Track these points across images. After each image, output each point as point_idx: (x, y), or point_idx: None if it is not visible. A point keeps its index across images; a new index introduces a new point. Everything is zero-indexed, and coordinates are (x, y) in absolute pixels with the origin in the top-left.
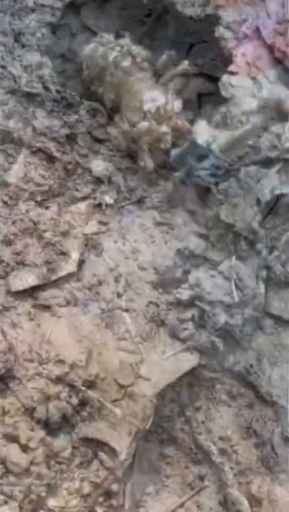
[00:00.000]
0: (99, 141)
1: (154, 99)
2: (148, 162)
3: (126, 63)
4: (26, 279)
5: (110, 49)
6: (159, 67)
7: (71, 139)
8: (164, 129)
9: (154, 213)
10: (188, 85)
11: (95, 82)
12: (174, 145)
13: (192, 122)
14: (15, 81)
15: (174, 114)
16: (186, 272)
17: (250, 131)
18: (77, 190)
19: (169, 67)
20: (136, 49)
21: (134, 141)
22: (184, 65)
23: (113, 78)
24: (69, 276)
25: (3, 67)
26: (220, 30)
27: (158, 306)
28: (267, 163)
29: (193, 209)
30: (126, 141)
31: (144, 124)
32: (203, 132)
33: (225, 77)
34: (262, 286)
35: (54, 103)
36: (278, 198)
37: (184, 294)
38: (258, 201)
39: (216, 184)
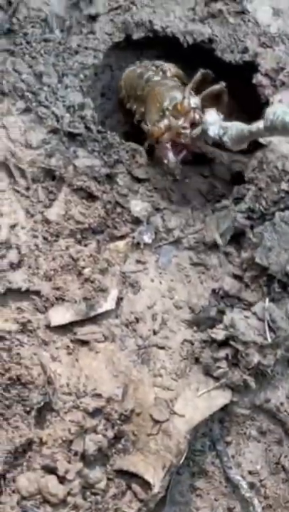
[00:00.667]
0: (138, 180)
1: (173, 98)
2: (171, 158)
3: (156, 78)
4: (65, 314)
5: (146, 69)
6: (193, 85)
7: (111, 178)
8: (181, 122)
9: (191, 253)
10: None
11: (130, 100)
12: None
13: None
14: (58, 121)
15: (191, 109)
16: (221, 312)
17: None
18: (116, 228)
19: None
20: (167, 65)
21: (157, 141)
22: (222, 84)
23: (143, 92)
24: (107, 313)
25: (47, 107)
26: (258, 77)
27: (192, 344)
28: None
29: (229, 251)
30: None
31: (164, 122)
32: (213, 123)
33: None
34: None
35: (95, 143)
36: None
37: (219, 334)
38: None
39: (252, 227)
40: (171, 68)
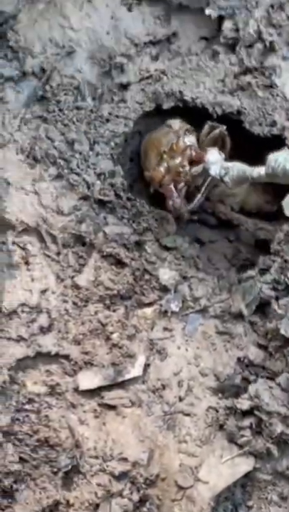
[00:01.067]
0: (166, 248)
1: (169, 141)
2: (176, 198)
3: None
4: (94, 379)
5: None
6: (202, 138)
7: (140, 245)
8: (179, 161)
9: (217, 322)
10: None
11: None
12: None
13: None
14: (88, 188)
15: (186, 147)
16: (245, 379)
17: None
18: (144, 295)
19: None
20: (172, 121)
21: (160, 185)
22: (222, 128)
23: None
24: (134, 379)
25: (78, 174)
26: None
27: (217, 411)
28: None
29: (254, 320)
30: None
31: (163, 165)
32: (215, 162)
33: (288, 198)
34: None
35: (124, 210)
36: None
37: (244, 404)
38: None
39: (277, 298)
40: (177, 123)
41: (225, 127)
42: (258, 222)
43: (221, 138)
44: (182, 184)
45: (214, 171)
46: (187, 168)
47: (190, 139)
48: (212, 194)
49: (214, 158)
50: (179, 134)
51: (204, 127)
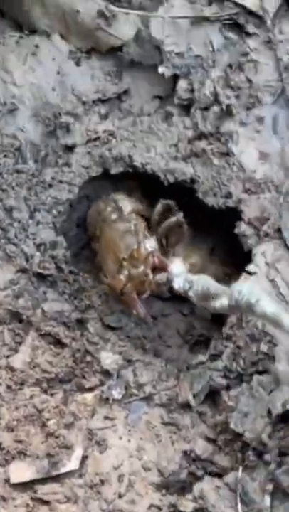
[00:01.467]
0: (110, 327)
1: (127, 245)
2: (139, 309)
3: (113, 216)
4: (26, 471)
5: (105, 205)
6: (155, 217)
7: (81, 323)
8: (142, 270)
9: (162, 411)
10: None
11: (94, 239)
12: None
13: None
14: (27, 260)
15: (148, 254)
16: (192, 475)
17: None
18: (84, 378)
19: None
20: (126, 202)
21: (121, 293)
22: (179, 216)
23: (101, 233)
24: (71, 473)
25: (16, 245)
26: (241, 226)
27: (160, 509)
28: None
29: (202, 410)
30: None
31: (124, 273)
32: (179, 275)
33: (242, 279)
34: (267, 500)
35: (66, 284)
36: None
37: (188, 506)
38: (269, 412)
39: (228, 387)
40: (128, 205)
41: (182, 215)
42: None
43: (178, 225)
44: (147, 293)
45: (178, 284)
46: (151, 276)
47: (151, 244)
48: None
49: (178, 269)
50: (138, 239)
51: (157, 206)
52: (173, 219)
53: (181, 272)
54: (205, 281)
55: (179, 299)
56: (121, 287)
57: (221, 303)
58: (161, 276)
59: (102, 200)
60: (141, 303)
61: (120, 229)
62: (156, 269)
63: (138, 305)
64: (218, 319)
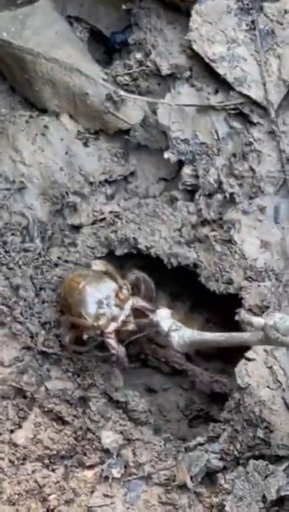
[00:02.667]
0: (113, 404)
1: (107, 288)
2: (119, 349)
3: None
4: None
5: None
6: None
7: (84, 401)
8: (126, 312)
9: (160, 490)
10: None
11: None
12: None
13: None
14: (32, 337)
15: (130, 296)
16: None
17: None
18: (85, 455)
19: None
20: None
21: (102, 333)
22: (138, 274)
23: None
24: None
25: (21, 323)
26: (241, 314)
27: None
28: (276, 459)
29: (199, 491)
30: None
31: (107, 312)
32: (167, 317)
33: (241, 364)
34: None
35: (69, 362)
36: (284, 497)
37: None
38: (264, 498)
39: (224, 469)
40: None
41: (142, 274)
42: (213, 374)
43: (144, 283)
44: (127, 335)
45: (166, 325)
46: (131, 318)
47: (130, 287)
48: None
49: (165, 313)
50: (119, 283)
51: (128, 275)
52: (132, 276)
53: (169, 316)
54: (191, 330)
55: (179, 373)
56: (104, 328)
57: (242, 335)
58: (143, 322)
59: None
60: (121, 346)
61: (96, 275)
62: (137, 312)
63: (117, 347)
64: (217, 395)
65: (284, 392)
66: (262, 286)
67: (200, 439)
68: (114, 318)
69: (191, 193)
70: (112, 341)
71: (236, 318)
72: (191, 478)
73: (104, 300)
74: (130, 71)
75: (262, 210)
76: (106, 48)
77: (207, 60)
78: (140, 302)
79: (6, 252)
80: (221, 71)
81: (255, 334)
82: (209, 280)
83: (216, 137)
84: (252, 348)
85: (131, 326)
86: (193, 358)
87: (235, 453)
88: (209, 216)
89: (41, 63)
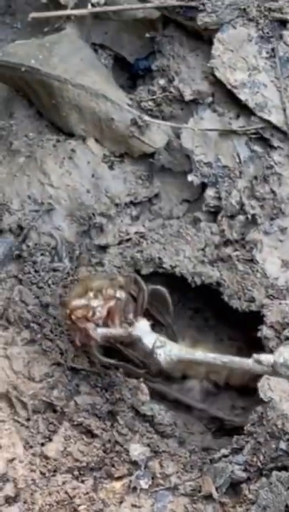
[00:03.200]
0: (140, 419)
1: (102, 284)
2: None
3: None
4: None
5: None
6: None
7: (112, 415)
8: (99, 302)
9: (186, 501)
10: None
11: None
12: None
13: None
14: (61, 354)
15: (113, 298)
16: None
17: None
18: (113, 466)
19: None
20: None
21: (70, 312)
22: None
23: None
24: None
25: (51, 340)
26: (263, 330)
27: None
28: None
29: (224, 501)
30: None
31: (84, 299)
32: (148, 332)
33: (264, 379)
34: None
35: (98, 378)
36: None
37: None
38: (287, 507)
39: (248, 480)
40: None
41: (134, 276)
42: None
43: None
44: (89, 325)
45: (149, 341)
46: (100, 314)
47: (121, 294)
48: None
49: (145, 327)
50: (113, 285)
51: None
52: (119, 278)
53: (149, 331)
54: (179, 346)
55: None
56: (72, 308)
57: (263, 359)
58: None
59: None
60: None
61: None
62: (109, 315)
63: (91, 327)
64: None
65: None
66: (283, 304)
67: (224, 451)
68: (87, 306)
69: (213, 214)
70: (81, 323)
71: (258, 334)
72: (216, 488)
73: (90, 290)
74: (154, 97)
75: (283, 230)
76: (130, 75)
77: (229, 87)
78: (116, 307)
79: (35, 271)
80: (242, 97)
81: (261, 367)
82: (232, 298)
83: (237, 160)
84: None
85: (96, 317)
86: None
87: (259, 464)
88: (232, 236)
89: (68, 89)
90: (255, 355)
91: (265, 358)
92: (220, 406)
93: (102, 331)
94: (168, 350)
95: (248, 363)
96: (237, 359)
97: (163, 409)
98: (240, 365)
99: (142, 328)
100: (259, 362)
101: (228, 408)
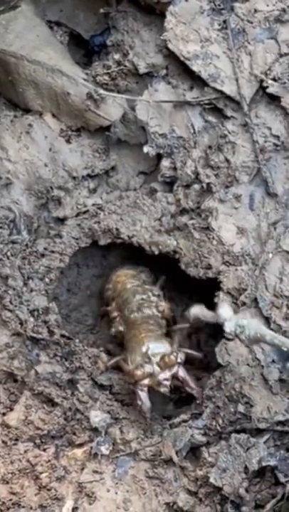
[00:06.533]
0: (99, 387)
1: (160, 347)
2: (145, 402)
3: (148, 312)
4: None
5: (143, 288)
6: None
7: (72, 384)
8: (166, 375)
9: (147, 466)
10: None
11: (113, 304)
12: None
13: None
14: (21, 324)
15: (176, 364)
16: None
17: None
18: (74, 434)
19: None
20: (165, 305)
21: (135, 382)
22: (185, 323)
23: (130, 317)
24: None
25: (11, 311)
26: (220, 296)
27: None
28: (257, 432)
29: (184, 465)
30: (128, 380)
31: (147, 368)
32: (229, 319)
33: (221, 344)
34: None
35: (58, 347)
36: (265, 467)
37: None
38: (246, 469)
39: (208, 444)
40: (166, 309)
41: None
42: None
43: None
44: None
45: (229, 327)
46: (169, 383)
47: (181, 357)
48: None
49: (227, 314)
50: (173, 348)
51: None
52: (179, 326)
53: (231, 316)
54: (256, 326)
55: None
56: (139, 379)
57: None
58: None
59: (136, 272)
60: (148, 398)
61: (157, 332)
62: (176, 378)
63: (145, 400)
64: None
65: (263, 369)
66: (239, 270)
67: (184, 416)
68: (151, 375)
69: (169, 184)
70: (142, 393)
71: (215, 300)
72: (176, 453)
73: (152, 356)
74: (109, 71)
75: (237, 198)
76: (86, 51)
77: (182, 59)
78: (183, 373)
79: None
80: (195, 68)
81: None
82: (189, 266)
83: (192, 131)
84: None
85: (164, 390)
86: None
87: (218, 428)
88: (187, 205)
89: (24, 65)
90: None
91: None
92: None
93: (194, 311)
94: (247, 334)
95: None
96: None
97: (122, 379)
98: None
99: (223, 316)
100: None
101: None
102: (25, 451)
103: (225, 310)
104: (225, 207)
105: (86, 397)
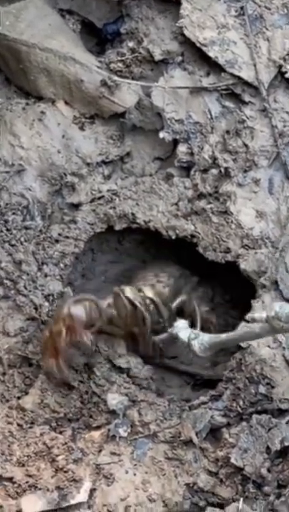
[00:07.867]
0: (117, 369)
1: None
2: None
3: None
4: (37, 502)
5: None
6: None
7: (88, 367)
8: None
9: (166, 447)
10: None
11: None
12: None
13: None
14: (36, 309)
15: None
16: (195, 505)
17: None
18: (91, 417)
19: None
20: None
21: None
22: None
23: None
24: (80, 504)
25: (25, 295)
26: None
27: None
28: (279, 413)
29: (204, 446)
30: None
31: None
32: (184, 328)
33: (241, 326)
34: None
35: None
36: (287, 447)
37: None
38: (268, 449)
39: (228, 425)
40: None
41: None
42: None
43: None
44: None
45: (184, 335)
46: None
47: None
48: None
49: (182, 324)
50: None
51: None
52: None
53: (187, 327)
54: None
55: None
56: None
57: (256, 316)
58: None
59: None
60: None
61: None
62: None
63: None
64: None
65: (284, 350)
66: (259, 253)
67: (203, 398)
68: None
69: (186, 169)
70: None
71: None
72: (196, 434)
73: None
74: (123, 58)
75: (256, 182)
76: (98, 40)
77: (198, 45)
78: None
79: (7, 230)
80: (212, 54)
81: (263, 327)
82: (207, 250)
83: (209, 116)
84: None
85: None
86: None
87: (239, 409)
88: (205, 190)
89: (36, 53)
90: (248, 315)
91: (258, 315)
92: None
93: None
94: (200, 340)
95: (255, 329)
96: (250, 330)
97: (140, 363)
98: (252, 334)
99: (179, 326)
100: (254, 320)
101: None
102: (41, 434)
103: (180, 321)
104: (243, 191)
105: (103, 381)
